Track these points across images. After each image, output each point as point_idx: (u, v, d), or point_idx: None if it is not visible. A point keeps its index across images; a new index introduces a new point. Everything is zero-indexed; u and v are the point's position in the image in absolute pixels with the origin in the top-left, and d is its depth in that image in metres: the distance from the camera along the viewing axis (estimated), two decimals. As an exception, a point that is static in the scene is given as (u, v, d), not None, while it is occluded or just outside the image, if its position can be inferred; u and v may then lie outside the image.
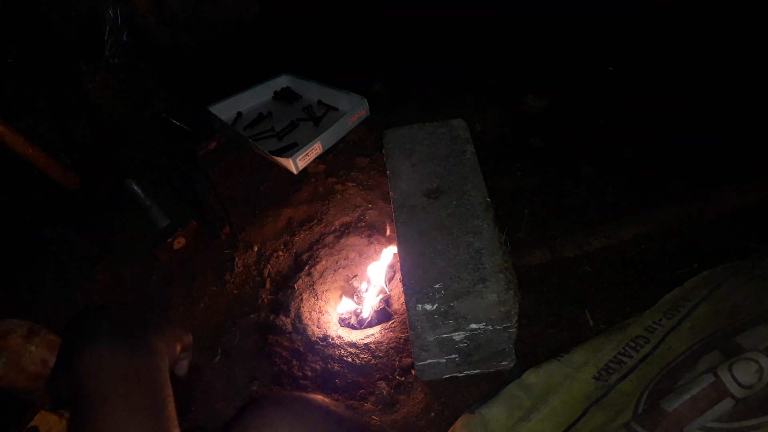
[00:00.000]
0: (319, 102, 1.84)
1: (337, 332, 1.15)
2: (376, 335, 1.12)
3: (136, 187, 1.41)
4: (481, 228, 0.92)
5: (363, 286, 1.22)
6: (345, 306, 1.21)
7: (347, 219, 1.39)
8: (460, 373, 0.98)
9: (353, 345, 1.11)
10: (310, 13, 2.25)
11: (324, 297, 1.23)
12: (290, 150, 1.56)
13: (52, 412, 0.57)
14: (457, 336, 0.88)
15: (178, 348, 0.52)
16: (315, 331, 1.15)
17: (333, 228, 1.38)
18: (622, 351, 0.89)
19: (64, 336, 0.48)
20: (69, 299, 1.28)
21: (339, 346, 1.11)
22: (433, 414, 0.95)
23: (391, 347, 1.08)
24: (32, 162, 1.32)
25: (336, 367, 1.07)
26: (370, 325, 1.16)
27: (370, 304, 1.18)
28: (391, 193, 1.03)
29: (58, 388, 0.46)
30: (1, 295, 1.28)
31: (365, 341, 1.11)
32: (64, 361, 0.46)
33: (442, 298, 0.83)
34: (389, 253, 1.21)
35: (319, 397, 0.56)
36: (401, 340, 1.09)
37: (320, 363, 1.08)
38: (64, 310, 1.25)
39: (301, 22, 2.25)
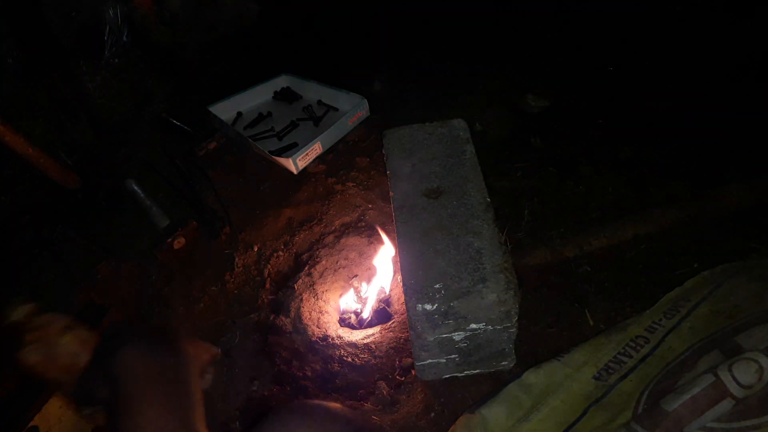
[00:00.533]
0: (319, 102, 1.84)
1: (337, 332, 1.15)
2: (376, 335, 1.12)
3: (136, 187, 1.41)
4: (481, 228, 0.92)
5: (363, 286, 1.22)
6: (345, 306, 1.21)
7: (347, 219, 1.39)
8: (460, 373, 0.98)
9: (353, 345, 1.11)
10: (311, 13, 2.26)
11: (324, 297, 1.23)
12: (290, 150, 1.56)
13: (72, 406, 0.60)
14: (457, 336, 0.88)
15: (207, 358, 0.54)
16: (315, 331, 1.15)
17: (333, 228, 1.38)
18: (622, 351, 0.89)
19: (100, 338, 0.51)
20: (69, 299, 1.28)
21: (339, 347, 1.11)
22: (433, 414, 0.95)
23: (391, 347, 1.08)
24: (32, 162, 1.32)
25: (336, 367, 1.07)
26: (370, 325, 1.16)
27: (370, 304, 1.18)
28: (391, 193, 1.03)
29: (90, 385, 0.49)
30: (1, 295, 1.28)
31: (365, 341, 1.11)
32: (101, 360, 0.49)
33: (442, 298, 0.83)
34: (386, 255, 1.21)
35: (338, 406, 0.58)
36: (401, 340, 1.09)
37: (320, 363, 1.08)
38: (64, 310, 1.25)
39: (302, 22, 2.25)
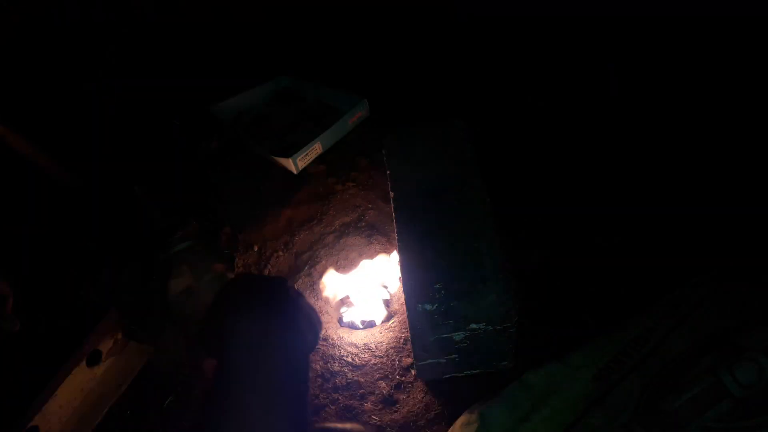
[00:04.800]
0: (319, 102, 1.84)
1: (337, 332, 1.15)
2: (376, 335, 1.12)
3: (137, 188, 1.41)
4: (481, 228, 0.92)
5: (363, 286, 1.22)
6: (345, 306, 1.21)
7: (347, 219, 1.39)
8: (460, 373, 0.98)
9: (353, 345, 1.11)
10: (312, 13, 2.26)
11: (324, 297, 1.23)
12: (290, 150, 1.56)
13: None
14: (457, 336, 0.88)
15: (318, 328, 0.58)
16: (315, 331, 1.15)
17: (333, 228, 1.38)
18: (622, 351, 0.89)
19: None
20: (68, 300, 1.28)
21: (339, 346, 1.11)
22: (433, 414, 0.95)
23: (391, 347, 1.08)
24: (32, 162, 1.32)
25: (336, 366, 1.07)
26: (370, 325, 1.16)
27: (369, 304, 1.18)
28: (391, 193, 1.03)
29: (206, 336, 0.52)
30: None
31: (365, 341, 1.11)
32: (213, 317, 0.52)
33: (442, 298, 0.83)
34: (385, 259, 1.21)
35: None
36: (401, 340, 1.09)
37: (320, 362, 1.08)
38: (63, 310, 1.25)
39: (302, 22, 2.25)
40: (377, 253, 1.26)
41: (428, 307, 0.83)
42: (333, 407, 1.00)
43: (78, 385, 1.00)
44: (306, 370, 0.53)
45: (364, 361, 1.07)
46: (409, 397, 0.99)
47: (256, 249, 1.35)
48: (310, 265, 1.30)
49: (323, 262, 1.30)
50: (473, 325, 0.86)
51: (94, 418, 1.05)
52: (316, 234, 1.37)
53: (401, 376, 1.02)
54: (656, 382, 0.81)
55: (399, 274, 0.92)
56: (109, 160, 1.66)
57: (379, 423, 0.95)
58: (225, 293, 0.53)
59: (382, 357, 1.07)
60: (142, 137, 1.76)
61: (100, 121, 1.77)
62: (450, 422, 0.89)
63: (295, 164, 1.51)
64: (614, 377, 0.86)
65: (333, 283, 1.19)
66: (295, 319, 0.53)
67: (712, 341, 0.82)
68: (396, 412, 0.97)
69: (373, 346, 1.09)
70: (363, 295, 1.20)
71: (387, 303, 1.19)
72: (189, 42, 2.14)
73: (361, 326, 1.16)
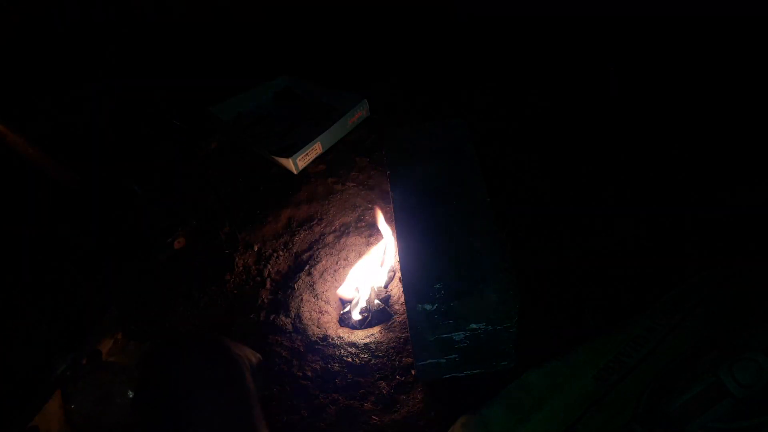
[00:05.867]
0: (319, 102, 1.84)
1: (337, 332, 1.15)
2: (376, 335, 1.12)
3: (136, 187, 1.41)
4: (481, 228, 0.92)
5: (363, 286, 1.22)
6: (345, 306, 1.21)
7: (347, 219, 1.39)
8: (461, 372, 0.98)
9: (353, 345, 1.11)
10: (311, 14, 2.26)
11: (324, 297, 1.23)
12: (290, 150, 1.56)
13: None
14: (457, 336, 0.88)
15: (254, 361, 0.54)
16: (315, 331, 1.15)
17: (333, 228, 1.38)
18: (622, 351, 0.89)
19: (145, 358, 0.50)
20: (68, 300, 1.28)
21: (339, 346, 1.11)
22: (433, 414, 0.95)
23: (391, 347, 1.08)
24: (32, 162, 1.32)
25: (336, 366, 1.07)
26: (370, 325, 1.16)
27: (369, 304, 1.18)
28: (391, 193, 1.03)
29: (145, 402, 0.48)
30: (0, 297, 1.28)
31: (365, 341, 1.11)
32: (154, 374, 0.48)
33: (442, 298, 0.83)
34: (380, 249, 1.21)
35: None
36: (401, 340, 1.09)
37: (320, 363, 1.08)
38: (63, 311, 1.25)
39: (302, 22, 2.25)
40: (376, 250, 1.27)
41: (428, 307, 0.83)
42: (333, 407, 1.00)
43: (78, 385, 1.00)
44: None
45: (364, 361, 1.07)
46: (409, 397, 0.99)
47: (255, 249, 1.35)
48: (310, 265, 1.30)
49: (323, 262, 1.30)
50: (473, 325, 0.86)
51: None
52: (316, 234, 1.38)
53: (401, 376, 1.02)
54: (656, 382, 0.81)
55: (399, 274, 0.92)
56: (109, 160, 1.66)
57: (379, 423, 0.95)
58: (149, 373, 0.48)
59: (382, 357, 1.07)
60: (142, 137, 1.77)
61: (100, 121, 1.77)
62: (450, 422, 0.89)
63: (295, 164, 1.51)
64: (614, 377, 0.86)
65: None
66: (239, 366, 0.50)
67: (712, 341, 0.82)
68: (396, 412, 0.97)
69: (373, 346, 1.09)
70: (363, 296, 1.20)
71: (387, 303, 1.20)
72: (189, 42, 2.15)
73: (361, 326, 1.16)
